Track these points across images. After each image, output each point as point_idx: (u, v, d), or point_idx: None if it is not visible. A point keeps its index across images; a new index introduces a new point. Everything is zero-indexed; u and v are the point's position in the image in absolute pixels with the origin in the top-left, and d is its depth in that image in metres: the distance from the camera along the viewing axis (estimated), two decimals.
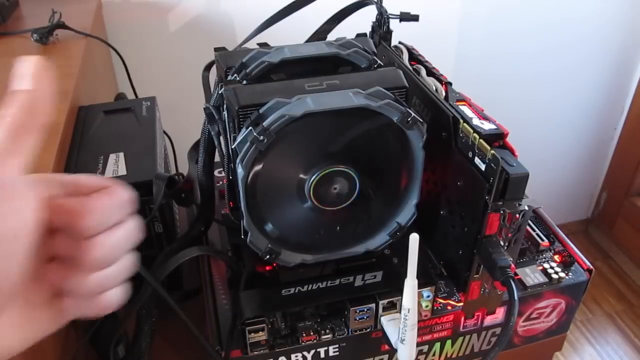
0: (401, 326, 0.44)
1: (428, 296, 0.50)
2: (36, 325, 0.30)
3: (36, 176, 0.28)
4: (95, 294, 0.30)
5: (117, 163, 0.57)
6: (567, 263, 0.57)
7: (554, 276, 0.55)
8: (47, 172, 0.27)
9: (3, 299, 0.27)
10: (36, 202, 0.26)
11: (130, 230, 0.31)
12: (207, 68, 0.57)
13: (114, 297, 0.31)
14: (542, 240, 0.58)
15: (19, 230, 0.26)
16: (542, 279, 0.55)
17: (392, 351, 0.53)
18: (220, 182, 0.65)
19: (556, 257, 0.57)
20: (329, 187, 0.43)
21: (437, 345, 0.54)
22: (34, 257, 0.27)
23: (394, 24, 0.63)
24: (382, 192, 0.45)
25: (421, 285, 0.46)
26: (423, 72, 0.55)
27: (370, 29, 0.65)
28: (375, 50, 0.52)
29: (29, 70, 0.26)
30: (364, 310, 0.49)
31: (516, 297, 0.42)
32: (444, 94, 0.51)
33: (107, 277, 0.30)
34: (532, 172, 0.41)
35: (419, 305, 0.49)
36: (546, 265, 0.56)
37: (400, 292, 0.43)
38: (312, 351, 0.50)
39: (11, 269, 0.26)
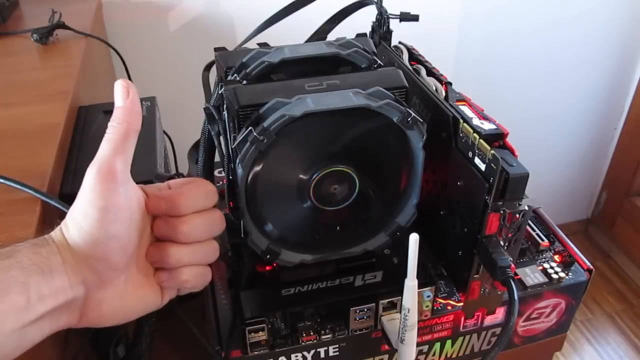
0: (401, 326, 0.44)
1: (428, 296, 0.50)
2: (139, 296, 0.38)
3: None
4: (180, 265, 0.38)
5: None
6: (567, 263, 0.57)
7: (554, 276, 0.55)
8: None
9: (120, 268, 0.35)
10: (138, 188, 0.37)
11: (214, 218, 0.39)
12: (207, 68, 0.57)
13: (196, 274, 0.39)
14: (542, 240, 0.58)
15: (134, 206, 0.35)
16: (542, 279, 0.55)
17: (392, 351, 0.53)
18: (220, 182, 0.65)
19: (556, 257, 0.57)
20: (328, 187, 0.43)
21: (437, 345, 0.54)
22: (140, 237, 0.36)
23: (394, 24, 0.63)
24: (382, 192, 0.45)
25: (421, 285, 0.46)
26: (423, 72, 0.55)
27: (370, 29, 0.65)
28: (375, 50, 0.51)
29: (118, 91, 0.37)
30: (364, 310, 0.49)
31: (516, 297, 0.42)
32: (444, 94, 0.51)
33: (191, 252, 0.38)
34: (532, 172, 0.41)
35: (419, 305, 0.49)
36: (546, 265, 0.56)
37: (400, 292, 0.43)
38: (312, 351, 0.50)
39: (130, 242, 0.35)
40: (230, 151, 0.45)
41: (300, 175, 0.42)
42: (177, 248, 0.37)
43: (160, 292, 0.39)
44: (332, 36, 0.58)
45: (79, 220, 0.34)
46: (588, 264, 0.57)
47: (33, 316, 0.31)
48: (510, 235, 0.45)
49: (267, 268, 0.48)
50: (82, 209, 0.34)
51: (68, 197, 0.52)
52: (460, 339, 0.55)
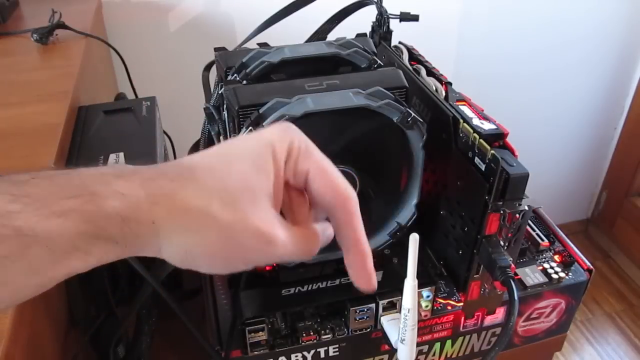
0: (401, 326, 0.44)
1: (428, 296, 0.50)
2: None
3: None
4: None
5: (117, 163, 0.57)
6: (567, 263, 0.57)
7: (554, 276, 0.55)
8: None
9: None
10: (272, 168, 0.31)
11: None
12: (207, 68, 0.57)
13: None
14: (542, 240, 0.58)
15: (264, 182, 0.31)
16: (542, 279, 0.55)
17: (392, 351, 0.53)
18: None
19: (556, 257, 0.57)
20: None
21: (437, 345, 0.54)
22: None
23: (394, 24, 0.63)
24: (382, 192, 0.45)
25: (421, 285, 0.46)
26: (423, 72, 0.55)
27: (370, 29, 0.65)
28: (375, 50, 0.52)
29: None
30: (364, 310, 0.49)
31: (516, 297, 0.42)
32: (444, 94, 0.51)
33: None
34: (532, 172, 0.41)
35: (419, 305, 0.49)
36: (546, 265, 0.56)
37: (400, 292, 0.43)
38: (312, 351, 0.50)
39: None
40: None
41: None
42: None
43: None
44: (332, 36, 0.58)
45: (203, 249, 0.29)
46: (588, 264, 0.57)
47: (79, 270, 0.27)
48: (510, 235, 0.45)
49: (267, 268, 0.48)
50: (211, 247, 0.29)
51: None
52: (460, 339, 0.55)
